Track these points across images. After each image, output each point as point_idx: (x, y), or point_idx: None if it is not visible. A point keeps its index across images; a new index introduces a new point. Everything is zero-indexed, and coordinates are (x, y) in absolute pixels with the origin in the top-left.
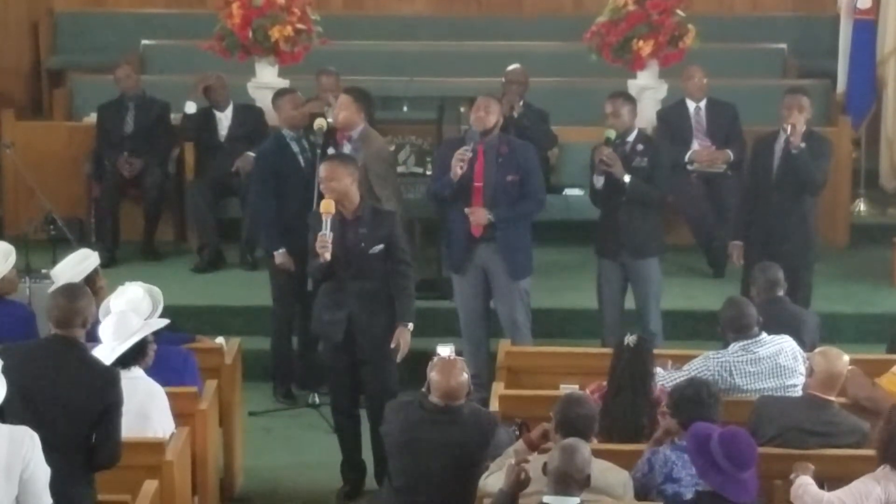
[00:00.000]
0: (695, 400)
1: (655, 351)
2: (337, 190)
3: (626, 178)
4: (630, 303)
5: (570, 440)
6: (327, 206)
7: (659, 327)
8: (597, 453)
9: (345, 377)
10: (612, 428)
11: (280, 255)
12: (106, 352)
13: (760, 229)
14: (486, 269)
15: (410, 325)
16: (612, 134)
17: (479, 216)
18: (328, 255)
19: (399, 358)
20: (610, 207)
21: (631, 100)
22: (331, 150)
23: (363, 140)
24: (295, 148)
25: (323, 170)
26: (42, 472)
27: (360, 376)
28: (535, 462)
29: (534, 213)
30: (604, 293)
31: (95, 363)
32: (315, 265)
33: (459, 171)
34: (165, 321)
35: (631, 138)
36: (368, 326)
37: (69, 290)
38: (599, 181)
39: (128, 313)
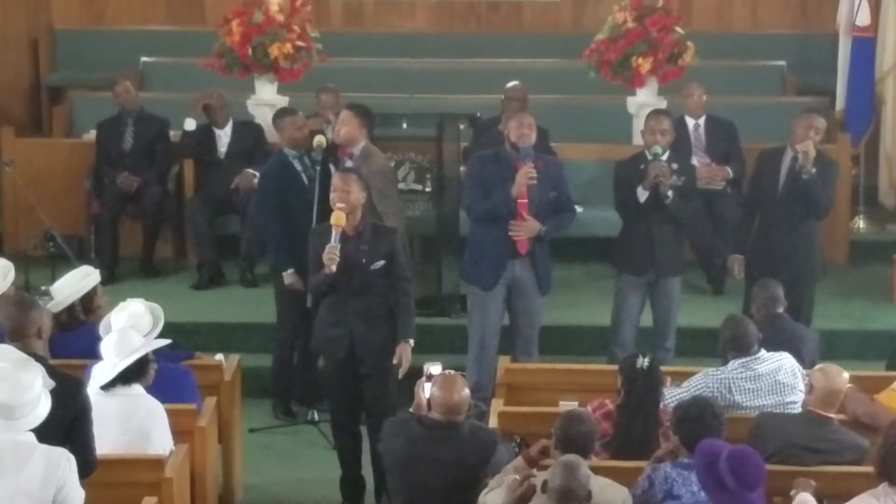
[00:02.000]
0: (698, 419)
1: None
2: (349, 202)
3: (669, 193)
4: (645, 320)
5: (570, 457)
6: (338, 219)
7: (674, 344)
8: (597, 470)
9: (346, 393)
10: (626, 447)
11: (289, 276)
12: (107, 368)
13: (764, 245)
14: (513, 285)
15: (411, 342)
16: (659, 150)
17: (530, 228)
18: (334, 267)
19: (401, 374)
20: (644, 224)
21: (672, 117)
22: (332, 168)
23: (365, 157)
24: (297, 167)
25: (338, 180)
26: (77, 495)
27: (360, 392)
28: (533, 480)
29: (571, 223)
30: (622, 309)
31: (58, 373)
32: (317, 279)
33: (523, 189)
34: (167, 341)
35: (665, 157)
36: (370, 342)
37: (20, 301)
38: (644, 195)
39: (129, 330)
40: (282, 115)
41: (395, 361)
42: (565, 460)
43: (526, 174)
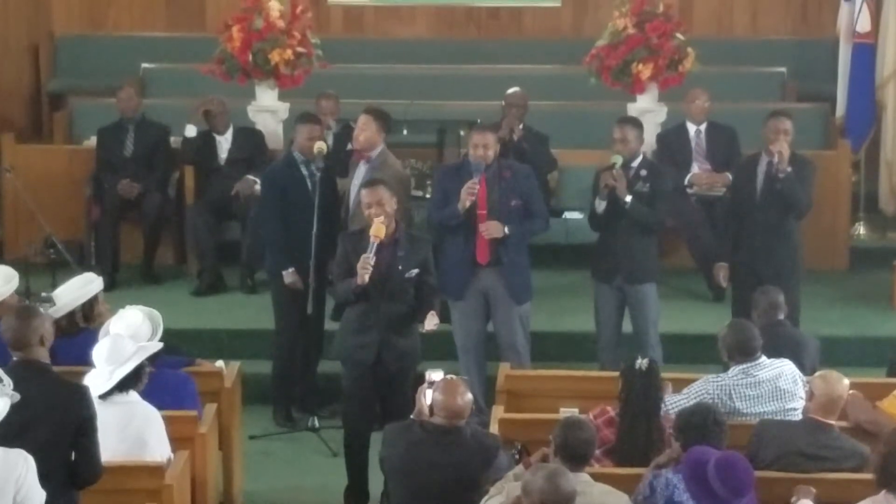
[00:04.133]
0: (700, 426)
1: None
2: (386, 213)
3: (628, 199)
4: (627, 326)
5: (548, 466)
6: (378, 231)
7: (658, 352)
8: (598, 477)
9: (366, 401)
10: (630, 454)
11: (289, 275)
12: (103, 376)
13: (746, 250)
14: (486, 294)
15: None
16: (618, 160)
17: (494, 229)
18: (367, 278)
19: (428, 327)
20: (608, 231)
21: (639, 125)
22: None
23: (381, 162)
24: (304, 171)
25: (368, 193)
26: (37, 496)
27: (380, 400)
28: (514, 490)
29: (542, 230)
30: (600, 316)
31: (63, 381)
32: (346, 288)
33: (468, 204)
34: (159, 345)
35: (635, 164)
36: (398, 348)
37: (21, 311)
38: (601, 205)
39: (121, 337)
40: (300, 119)
41: (426, 327)
42: (544, 470)
43: (466, 190)
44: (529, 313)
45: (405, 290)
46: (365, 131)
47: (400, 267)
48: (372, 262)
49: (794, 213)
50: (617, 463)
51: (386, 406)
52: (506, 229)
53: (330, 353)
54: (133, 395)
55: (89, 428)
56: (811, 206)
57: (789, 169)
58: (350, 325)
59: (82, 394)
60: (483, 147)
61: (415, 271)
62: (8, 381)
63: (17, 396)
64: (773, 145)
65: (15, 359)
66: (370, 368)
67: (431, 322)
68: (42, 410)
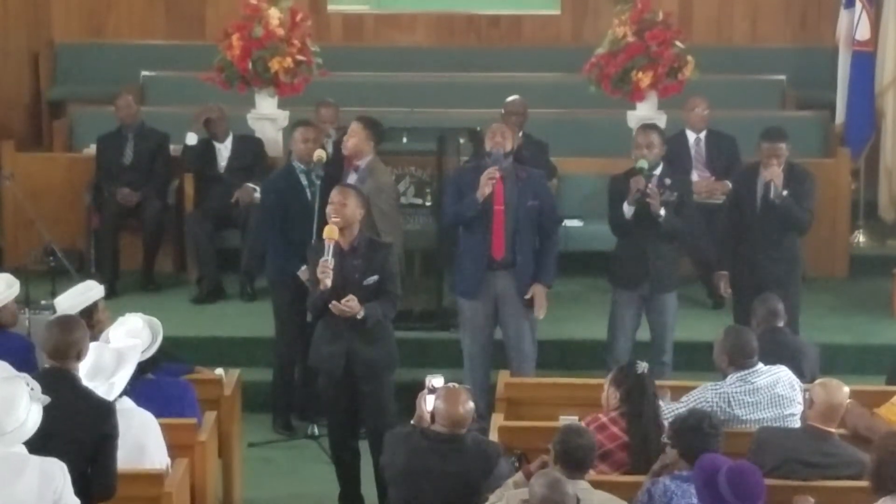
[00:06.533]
0: (696, 430)
1: (659, 382)
2: (344, 215)
3: (662, 212)
4: (640, 334)
5: (547, 473)
6: (330, 233)
7: (671, 359)
8: (597, 484)
9: (343, 410)
10: (646, 456)
11: (303, 273)
12: (97, 389)
13: (747, 259)
14: (499, 297)
15: (369, 320)
16: (644, 164)
17: (540, 303)
18: (328, 282)
19: (335, 307)
20: (637, 239)
21: (661, 132)
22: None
23: (370, 171)
24: (304, 181)
25: (336, 193)
26: None
27: (358, 408)
28: (513, 497)
29: (557, 245)
30: (618, 324)
31: (91, 395)
32: (314, 296)
33: (488, 191)
34: (137, 344)
35: (658, 171)
36: (366, 358)
37: (65, 322)
38: (630, 211)
39: (102, 347)
40: (294, 126)
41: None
42: (548, 479)
43: (486, 175)
44: (535, 318)
45: (367, 299)
46: (353, 137)
47: (357, 275)
48: (331, 265)
49: (796, 232)
50: (631, 465)
51: (364, 414)
52: (547, 283)
53: None
54: (128, 402)
55: (109, 444)
56: (812, 223)
57: (785, 193)
58: (319, 335)
59: (107, 409)
60: (501, 135)
61: (374, 278)
62: (36, 385)
63: (47, 399)
64: (766, 173)
65: (47, 365)
66: (341, 378)
67: (345, 302)
68: (65, 421)
